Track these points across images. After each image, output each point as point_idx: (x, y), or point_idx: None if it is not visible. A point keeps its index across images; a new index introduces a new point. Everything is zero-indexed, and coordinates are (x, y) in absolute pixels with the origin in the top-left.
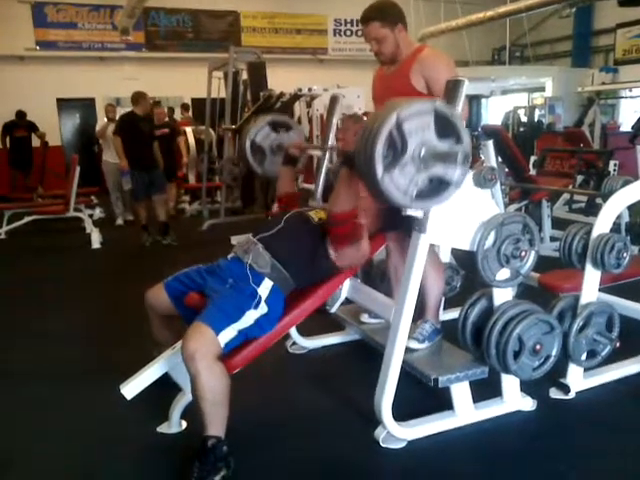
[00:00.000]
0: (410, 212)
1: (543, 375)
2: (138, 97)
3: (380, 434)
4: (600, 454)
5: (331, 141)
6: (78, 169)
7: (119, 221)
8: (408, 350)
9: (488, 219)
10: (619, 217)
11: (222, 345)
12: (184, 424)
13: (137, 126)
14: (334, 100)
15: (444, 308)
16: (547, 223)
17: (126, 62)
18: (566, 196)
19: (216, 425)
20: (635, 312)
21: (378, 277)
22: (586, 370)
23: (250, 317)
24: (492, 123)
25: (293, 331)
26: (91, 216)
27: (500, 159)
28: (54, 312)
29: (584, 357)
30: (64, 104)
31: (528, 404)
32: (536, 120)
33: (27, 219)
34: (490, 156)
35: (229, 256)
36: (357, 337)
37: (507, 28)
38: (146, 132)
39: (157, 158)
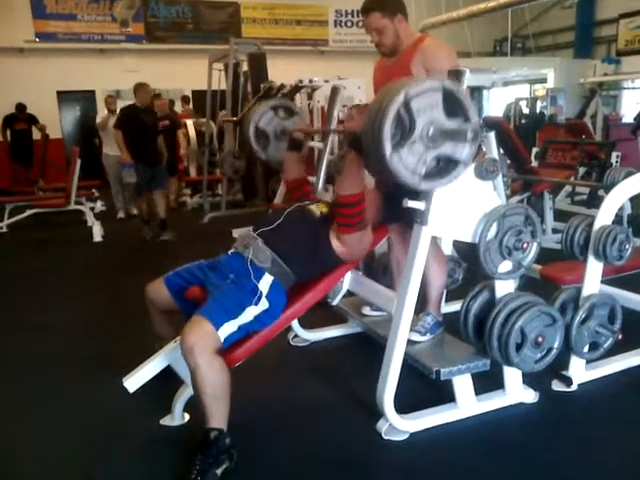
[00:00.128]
0: (412, 204)
1: (545, 367)
2: (136, 88)
3: (382, 426)
4: (602, 446)
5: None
6: (79, 162)
7: (120, 214)
8: (410, 342)
9: (490, 211)
10: (621, 209)
11: (222, 340)
12: (187, 417)
13: (138, 119)
14: (335, 91)
15: (446, 300)
16: (549, 215)
17: (126, 54)
18: (568, 188)
19: (217, 418)
20: (637, 304)
21: (380, 269)
22: (588, 362)
23: (250, 313)
24: (494, 115)
25: (295, 324)
26: (92, 209)
27: (502, 151)
28: (55, 305)
29: (586, 349)
30: (64, 96)
31: (530, 396)
32: (538, 112)
33: (28, 212)
34: (492, 148)
35: (229, 251)
36: (359, 330)
37: (509, 19)
38: (148, 125)
39: (161, 152)
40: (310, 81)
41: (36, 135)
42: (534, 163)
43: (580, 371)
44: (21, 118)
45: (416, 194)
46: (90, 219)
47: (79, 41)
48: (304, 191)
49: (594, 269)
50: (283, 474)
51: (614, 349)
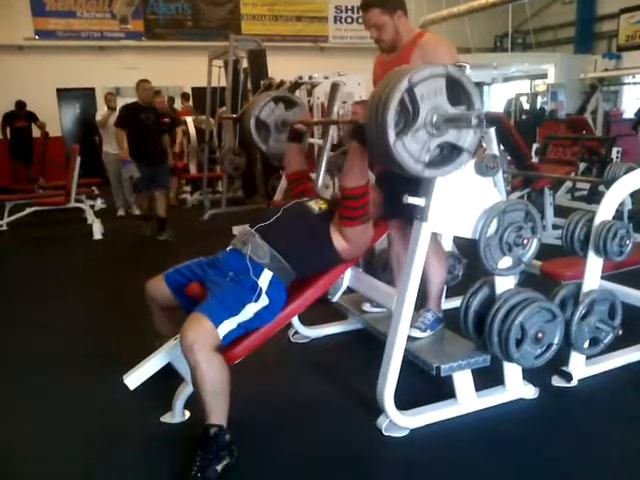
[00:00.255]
0: (412, 200)
1: (545, 363)
2: (137, 85)
3: (382, 423)
4: (602, 441)
5: (332, 129)
6: (79, 159)
7: (120, 212)
8: (410, 339)
9: (490, 207)
10: (622, 204)
11: (221, 337)
12: (187, 414)
13: (138, 117)
14: (335, 88)
15: (446, 297)
16: (549, 211)
17: (125, 51)
18: (568, 184)
19: (217, 414)
20: (637, 300)
21: (380, 266)
22: (588, 358)
23: (250, 310)
24: (494, 110)
25: (295, 320)
26: (92, 207)
27: (502, 147)
28: (55, 303)
29: (586, 345)
30: (64, 94)
31: (530, 392)
32: (538, 107)
33: (28, 210)
34: (492, 144)
35: (228, 248)
36: (359, 326)
37: (509, 14)
38: (148, 123)
39: (164, 151)
40: (310, 77)
41: (36, 133)
42: (534, 159)
43: (580, 367)
44: (21, 116)
45: (416, 190)
46: (90, 217)
47: (78, 38)
48: (304, 186)
49: (594, 265)
50: (283, 470)
51: (614, 345)
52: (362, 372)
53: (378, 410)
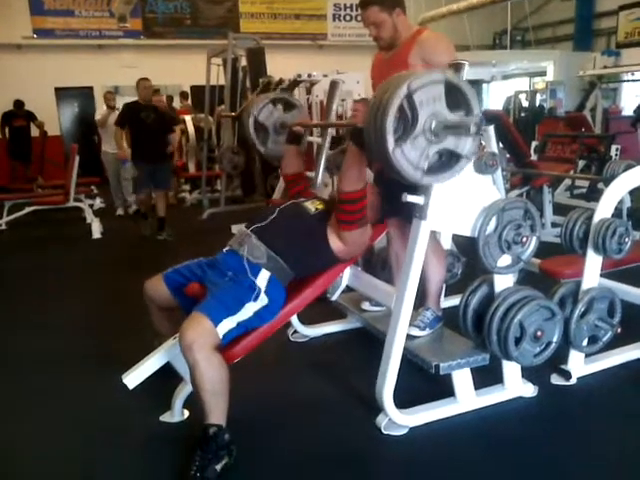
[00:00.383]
0: (411, 198)
1: (544, 361)
2: (137, 84)
3: (382, 421)
4: (601, 439)
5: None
6: (77, 158)
7: (119, 211)
8: (409, 337)
9: (489, 205)
10: (621, 202)
11: (220, 336)
12: (186, 413)
13: (138, 116)
14: (334, 86)
15: (445, 295)
16: (548, 209)
17: (124, 50)
18: (567, 181)
19: (217, 414)
20: (637, 297)
21: (379, 264)
22: (587, 356)
23: (249, 309)
24: (493, 108)
25: (294, 319)
26: (91, 206)
27: (501, 144)
28: (55, 302)
29: (585, 343)
30: (62, 93)
31: (529, 390)
32: (537, 105)
33: (27, 210)
34: (491, 141)
35: (225, 249)
36: (358, 325)
37: (508, 11)
38: (148, 122)
39: (164, 150)
40: (309, 75)
41: (34, 132)
42: (533, 157)
43: (579, 365)
44: (19, 115)
45: (415, 188)
46: (89, 216)
47: (77, 37)
48: (301, 186)
49: (593, 263)
50: (283, 469)
51: (613, 342)
52: (361, 371)
53: (377, 409)
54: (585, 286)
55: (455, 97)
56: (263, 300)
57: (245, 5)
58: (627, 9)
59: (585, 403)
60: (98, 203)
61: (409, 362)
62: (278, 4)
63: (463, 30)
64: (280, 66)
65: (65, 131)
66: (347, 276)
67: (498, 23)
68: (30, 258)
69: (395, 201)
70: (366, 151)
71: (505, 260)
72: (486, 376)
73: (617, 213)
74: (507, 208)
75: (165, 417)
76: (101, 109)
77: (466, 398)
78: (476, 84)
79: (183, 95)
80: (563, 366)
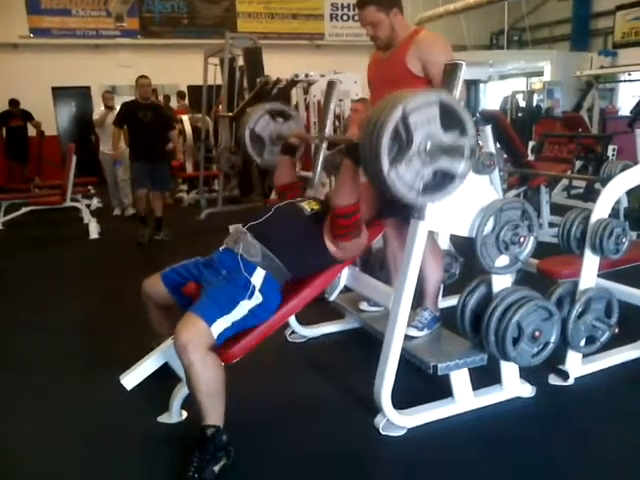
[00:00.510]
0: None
1: (542, 361)
2: (135, 82)
3: (380, 422)
4: (599, 439)
5: (328, 128)
6: (74, 158)
7: (117, 211)
8: (407, 338)
9: (487, 205)
10: (618, 202)
11: (215, 336)
12: (184, 414)
13: (135, 115)
14: (331, 86)
15: (443, 295)
16: (546, 209)
17: (121, 49)
18: (565, 182)
19: (214, 415)
20: (634, 298)
21: (377, 265)
22: (585, 356)
23: (244, 307)
24: (490, 108)
25: (292, 320)
26: (88, 206)
27: (498, 145)
28: (54, 302)
29: (583, 343)
30: (59, 93)
31: (527, 391)
32: (534, 105)
33: (24, 210)
34: (488, 142)
35: (220, 248)
36: (356, 325)
37: (505, 11)
38: (145, 120)
39: (163, 149)
40: (306, 75)
41: (31, 132)
42: (531, 157)
43: (577, 365)
44: (15, 114)
45: None
46: (86, 216)
47: (74, 36)
48: (295, 192)
49: (591, 263)
50: (281, 470)
51: (611, 343)
52: (359, 371)
53: (376, 409)
54: (582, 286)
55: (450, 116)
56: (258, 298)
57: (242, 5)
58: (624, 9)
59: (583, 403)
60: (95, 203)
61: (407, 362)
62: (275, 4)
63: (460, 30)
64: (277, 66)
65: (62, 131)
66: (345, 276)
67: (495, 23)
68: (28, 258)
69: (392, 201)
70: (361, 167)
71: (503, 260)
72: (484, 376)
73: (614, 213)
74: (504, 208)
75: (163, 418)
76: (98, 109)
77: (464, 398)
78: (473, 84)
79: (180, 95)
80: (561, 366)
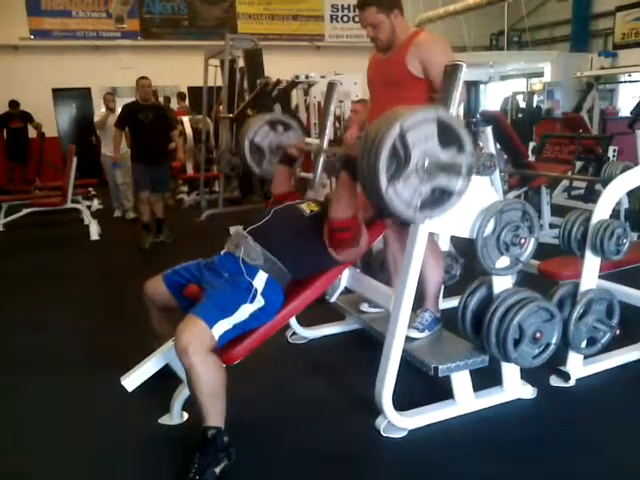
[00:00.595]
0: None
1: (543, 363)
2: (136, 83)
3: (381, 423)
4: (600, 441)
5: (329, 129)
6: (75, 160)
7: (117, 213)
8: (408, 339)
9: (487, 206)
10: (618, 203)
11: (216, 338)
12: (185, 415)
13: (136, 117)
14: (331, 87)
15: (444, 297)
16: (546, 210)
17: (121, 51)
18: (565, 183)
19: (215, 416)
20: (635, 299)
21: (377, 266)
22: (586, 357)
23: (245, 311)
24: (490, 109)
25: (293, 321)
26: (89, 208)
27: (499, 145)
28: (53, 303)
29: (584, 344)
30: (60, 94)
31: (528, 392)
32: (535, 106)
33: (25, 211)
34: (489, 142)
35: (222, 252)
36: (357, 327)
37: (505, 12)
38: (146, 122)
39: (165, 150)
40: (306, 77)
41: (32, 133)
42: (531, 158)
43: (578, 366)
44: (16, 116)
45: None
46: (87, 218)
47: (74, 38)
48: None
49: (592, 264)
50: (282, 471)
51: (612, 344)
52: (360, 373)
53: (377, 411)
54: (583, 287)
55: (448, 133)
56: (259, 302)
57: (242, 6)
58: (624, 10)
59: (584, 404)
60: (96, 205)
61: (408, 364)
62: (275, 5)
63: (460, 31)
64: (277, 67)
65: (63, 132)
66: (346, 278)
67: (495, 24)
68: (28, 259)
69: None
70: (358, 181)
71: (503, 261)
72: (485, 378)
73: (615, 214)
74: (505, 209)
75: (164, 419)
76: (99, 111)
77: (465, 400)
78: (473, 85)
79: (180, 96)
80: (562, 368)
